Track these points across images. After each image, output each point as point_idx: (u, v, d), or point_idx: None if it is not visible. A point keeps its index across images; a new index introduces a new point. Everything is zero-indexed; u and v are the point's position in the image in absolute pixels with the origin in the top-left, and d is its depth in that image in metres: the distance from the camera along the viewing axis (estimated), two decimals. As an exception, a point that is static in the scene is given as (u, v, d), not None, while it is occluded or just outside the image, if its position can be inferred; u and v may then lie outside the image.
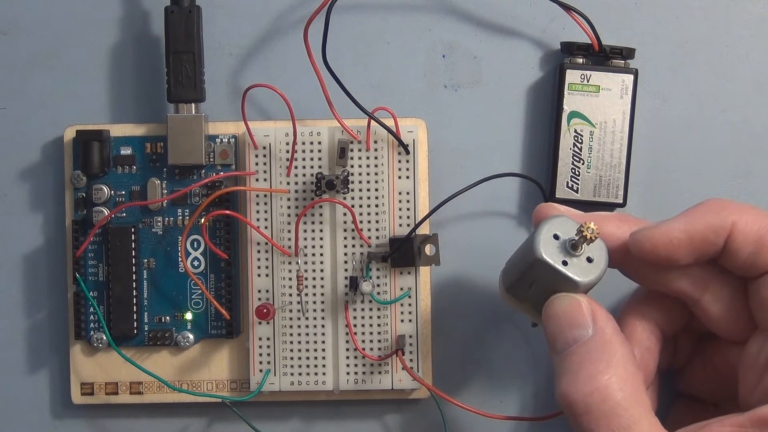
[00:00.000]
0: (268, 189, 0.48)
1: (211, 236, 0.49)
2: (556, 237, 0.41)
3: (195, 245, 0.50)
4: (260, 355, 0.49)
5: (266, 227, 0.48)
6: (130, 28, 0.51)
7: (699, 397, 0.47)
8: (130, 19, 0.51)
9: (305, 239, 0.48)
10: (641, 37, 0.50)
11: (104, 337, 0.49)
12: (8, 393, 0.51)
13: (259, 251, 0.49)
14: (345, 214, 0.48)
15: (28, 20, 0.51)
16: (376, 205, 0.48)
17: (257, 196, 0.49)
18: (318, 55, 0.47)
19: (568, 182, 0.49)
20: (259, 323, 0.49)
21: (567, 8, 0.49)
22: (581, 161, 0.49)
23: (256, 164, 0.48)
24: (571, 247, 0.40)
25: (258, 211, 0.49)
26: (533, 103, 0.50)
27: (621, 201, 0.49)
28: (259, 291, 0.49)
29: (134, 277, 0.49)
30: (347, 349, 0.49)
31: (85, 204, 0.50)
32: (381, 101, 0.49)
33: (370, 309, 0.48)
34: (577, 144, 0.48)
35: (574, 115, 0.49)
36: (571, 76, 0.48)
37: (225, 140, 0.50)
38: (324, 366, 0.49)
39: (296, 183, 0.48)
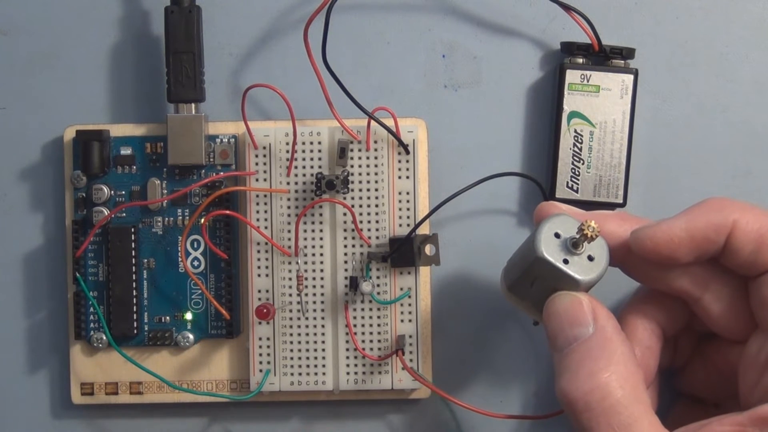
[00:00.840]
0: (268, 189, 0.48)
1: (211, 236, 0.49)
2: (557, 235, 0.41)
3: (195, 245, 0.50)
4: (260, 355, 0.49)
5: (266, 227, 0.48)
6: (130, 28, 0.51)
7: (699, 396, 0.47)
8: (130, 19, 0.51)
9: (305, 239, 0.48)
10: (641, 37, 0.50)
11: (104, 337, 0.49)
12: (8, 393, 0.51)
13: (259, 251, 0.49)
14: (345, 214, 0.48)
15: (28, 20, 0.51)
16: (376, 205, 0.48)
17: (257, 196, 0.49)
18: (318, 55, 0.47)
19: (568, 182, 0.49)
20: (259, 323, 0.48)
21: (567, 8, 0.49)
22: (581, 161, 0.48)
23: (256, 164, 0.48)
24: (572, 246, 0.40)
25: (258, 211, 0.49)
26: (533, 103, 0.50)
27: (621, 201, 0.49)
28: (259, 291, 0.49)
29: (134, 277, 0.49)
30: (347, 349, 0.49)
31: (85, 204, 0.50)
32: (381, 101, 0.49)
33: (370, 309, 0.48)
34: (577, 144, 0.48)
35: (574, 115, 0.49)
36: (571, 76, 0.48)
37: (225, 140, 0.50)
38: (324, 366, 0.49)
39: (296, 183, 0.48)
